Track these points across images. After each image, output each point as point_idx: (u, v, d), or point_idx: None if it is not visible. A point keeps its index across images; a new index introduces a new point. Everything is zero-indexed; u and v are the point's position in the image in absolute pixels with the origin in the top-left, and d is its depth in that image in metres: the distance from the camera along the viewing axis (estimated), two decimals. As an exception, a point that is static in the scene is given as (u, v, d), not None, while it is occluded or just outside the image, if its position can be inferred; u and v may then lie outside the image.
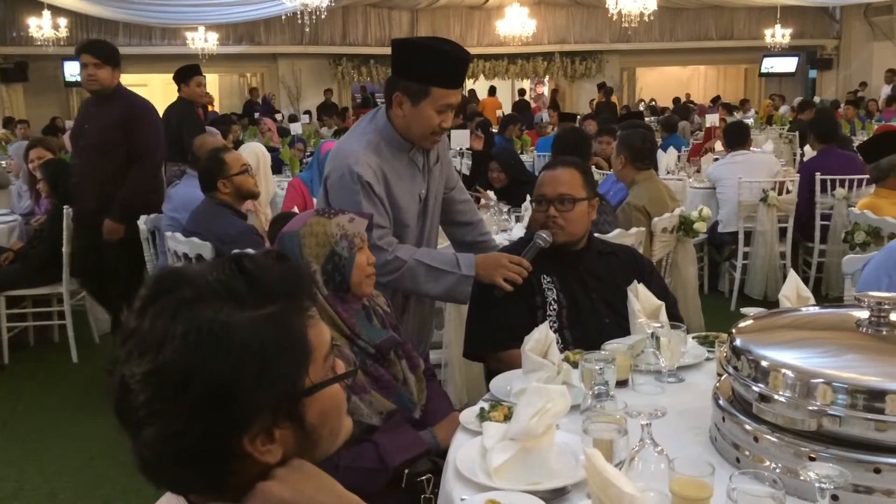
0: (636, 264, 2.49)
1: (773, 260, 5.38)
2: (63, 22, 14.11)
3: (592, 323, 2.30)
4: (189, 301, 0.83)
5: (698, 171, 6.54)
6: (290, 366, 0.85)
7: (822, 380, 1.36)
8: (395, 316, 2.11)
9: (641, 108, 16.48)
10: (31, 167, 5.15)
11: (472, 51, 17.63)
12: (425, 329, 2.57)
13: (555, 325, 2.29)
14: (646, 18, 13.40)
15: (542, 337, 1.84)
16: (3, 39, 14.87)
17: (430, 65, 2.24)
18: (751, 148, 6.00)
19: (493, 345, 2.29)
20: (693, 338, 2.20)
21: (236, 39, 16.42)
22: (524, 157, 7.74)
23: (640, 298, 2.12)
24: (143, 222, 4.01)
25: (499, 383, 1.93)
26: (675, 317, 2.29)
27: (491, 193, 4.72)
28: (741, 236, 5.41)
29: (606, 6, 13.62)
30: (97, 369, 4.27)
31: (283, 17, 14.96)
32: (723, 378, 1.65)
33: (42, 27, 13.73)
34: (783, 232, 5.41)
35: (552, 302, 2.31)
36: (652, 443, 1.36)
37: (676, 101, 15.91)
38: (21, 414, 4.01)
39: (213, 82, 18.68)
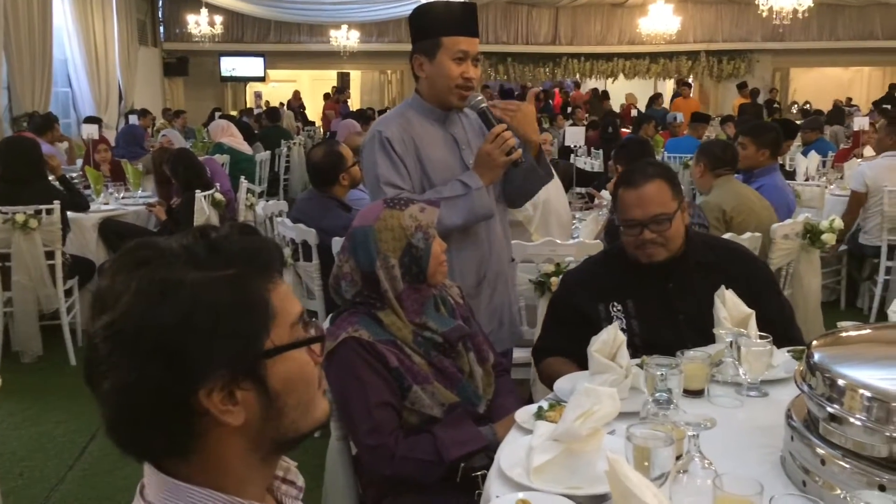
0: (748, 278, 2.15)
1: (920, 277, 4.92)
2: (219, 20, 15.03)
3: (673, 351, 2.08)
4: (147, 260, 0.87)
5: (842, 177, 6.07)
6: (246, 324, 0.87)
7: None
8: (467, 308, 2.08)
9: (794, 111, 15.47)
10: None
11: (612, 49, 17.51)
12: (502, 322, 2.49)
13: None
14: (800, 16, 12.54)
15: (610, 338, 1.76)
16: (167, 35, 16.02)
17: (435, 18, 2.32)
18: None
19: (538, 352, 2.29)
20: (788, 351, 2.04)
21: (378, 37, 16.85)
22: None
23: (728, 306, 1.98)
24: (261, 208, 4.20)
25: (563, 384, 1.87)
26: (793, 339, 2.11)
27: (605, 193, 4.59)
28: (884, 249, 4.98)
29: (757, 2, 12.87)
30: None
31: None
32: (798, 395, 1.52)
33: (199, 24, 14.68)
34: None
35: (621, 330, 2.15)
36: (699, 456, 1.27)
37: (836, 103, 14.83)
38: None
39: (355, 79, 19.34)
